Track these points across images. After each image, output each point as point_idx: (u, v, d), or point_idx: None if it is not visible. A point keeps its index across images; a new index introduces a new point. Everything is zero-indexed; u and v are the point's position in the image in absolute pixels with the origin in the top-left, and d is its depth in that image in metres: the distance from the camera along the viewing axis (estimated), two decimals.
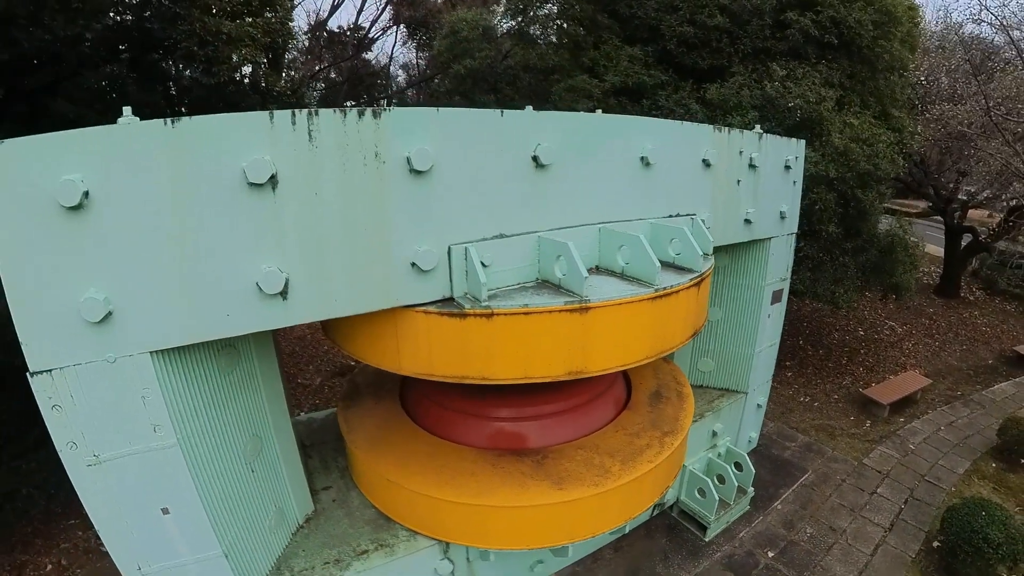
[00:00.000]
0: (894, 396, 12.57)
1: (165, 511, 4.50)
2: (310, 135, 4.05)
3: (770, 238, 8.87)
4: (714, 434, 9.55)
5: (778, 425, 12.20)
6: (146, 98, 10.47)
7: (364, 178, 4.35)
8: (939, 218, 17.23)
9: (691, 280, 6.14)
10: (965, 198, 16.44)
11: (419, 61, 24.76)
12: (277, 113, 3.91)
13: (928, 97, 12.34)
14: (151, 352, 3.99)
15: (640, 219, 6.77)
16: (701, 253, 6.31)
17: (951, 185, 16.36)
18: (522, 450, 7.09)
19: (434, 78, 19.70)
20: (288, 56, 12.74)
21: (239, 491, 5.35)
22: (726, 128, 7.53)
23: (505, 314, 5.14)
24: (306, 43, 20.10)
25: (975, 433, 12.06)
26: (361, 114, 4.23)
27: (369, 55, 23.56)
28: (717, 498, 9.01)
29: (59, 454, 4.02)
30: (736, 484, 9.31)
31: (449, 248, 5.13)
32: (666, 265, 6.59)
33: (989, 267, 18.31)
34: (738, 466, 9.67)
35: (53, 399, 3.84)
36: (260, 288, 4.13)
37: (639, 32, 12.72)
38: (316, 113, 4.04)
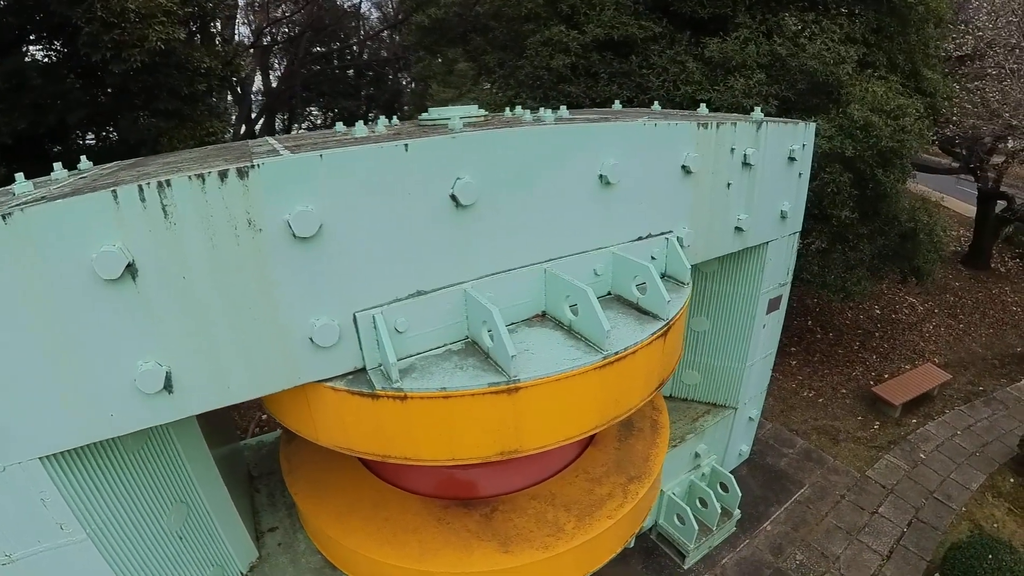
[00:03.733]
0: (907, 395, 11.74)
1: None
2: (164, 211, 3.52)
3: (767, 242, 7.78)
4: (697, 455, 8.83)
5: (776, 427, 11.47)
6: (57, 89, 9.42)
7: (238, 252, 3.80)
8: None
9: (653, 334, 5.21)
10: (1003, 158, 14.67)
11: None
12: (121, 190, 3.37)
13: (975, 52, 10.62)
14: (40, 457, 3.86)
15: (601, 248, 5.77)
16: (667, 298, 5.32)
17: (986, 140, 14.56)
18: (471, 499, 6.56)
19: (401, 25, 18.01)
20: (217, 24, 11.37)
21: (167, 563, 5.23)
22: (714, 122, 6.34)
23: (421, 397, 4.49)
24: None
25: (994, 440, 11.26)
26: (224, 176, 3.59)
27: None
28: (696, 528, 8.41)
29: None
30: (719, 509, 8.69)
31: (355, 316, 4.45)
32: (629, 306, 5.68)
33: None
34: (724, 487, 9.01)
35: None
36: (139, 387, 3.79)
37: None
38: (168, 184, 3.45)
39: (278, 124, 22.09)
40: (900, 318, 15.14)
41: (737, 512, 9.02)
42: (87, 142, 11.41)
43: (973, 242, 17.81)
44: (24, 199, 3.63)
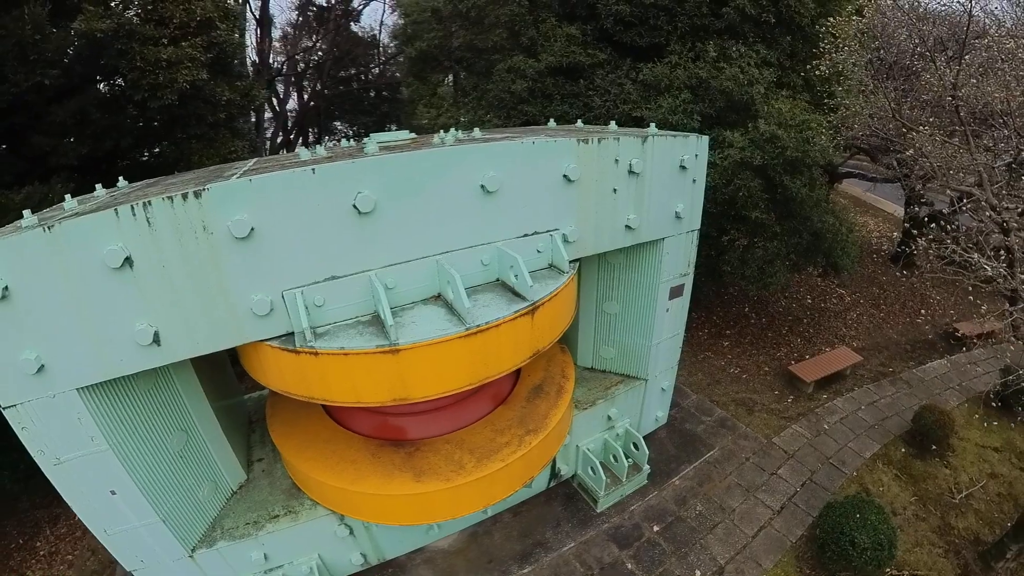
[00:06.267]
0: (819, 373, 11.78)
1: (113, 492, 5.50)
2: (148, 222, 4.50)
3: (663, 238, 8.07)
4: (609, 418, 9.20)
5: (700, 398, 11.70)
6: (113, 121, 10.51)
7: (198, 248, 4.75)
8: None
9: (517, 312, 5.68)
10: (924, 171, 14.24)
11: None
12: (120, 208, 4.39)
13: (887, 71, 10.44)
14: (77, 388, 4.87)
15: (487, 243, 6.23)
16: (530, 284, 5.76)
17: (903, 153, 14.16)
18: (402, 441, 7.21)
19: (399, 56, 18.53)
20: (236, 62, 12.28)
21: (170, 473, 6.10)
22: (595, 138, 6.69)
23: (327, 354, 5.31)
24: (297, 19, 19.14)
25: (894, 415, 11.25)
26: (185, 197, 4.54)
27: (357, 27, 22.29)
28: (605, 479, 8.82)
29: (35, 458, 5.10)
30: (627, 464, 9.06)
31: (283, 294, 5.29)
32: (508, 290, 6.16)
33: (946, 238, 16.17)
34: (636, 446, 9.37)
35: (21, 423, 4.86)
36: (137, 340, 4.83)
37: (578, 10, 11.36)
38: (150, 203, 4.46)
39: (311, 137, 23.15)
40: (828, 307, 15.02)
41: (647, 467, 9.36)
42: (142, 158, 12.44)
43: (900, 241, 17.40)
44: (66, 214, 4.75)
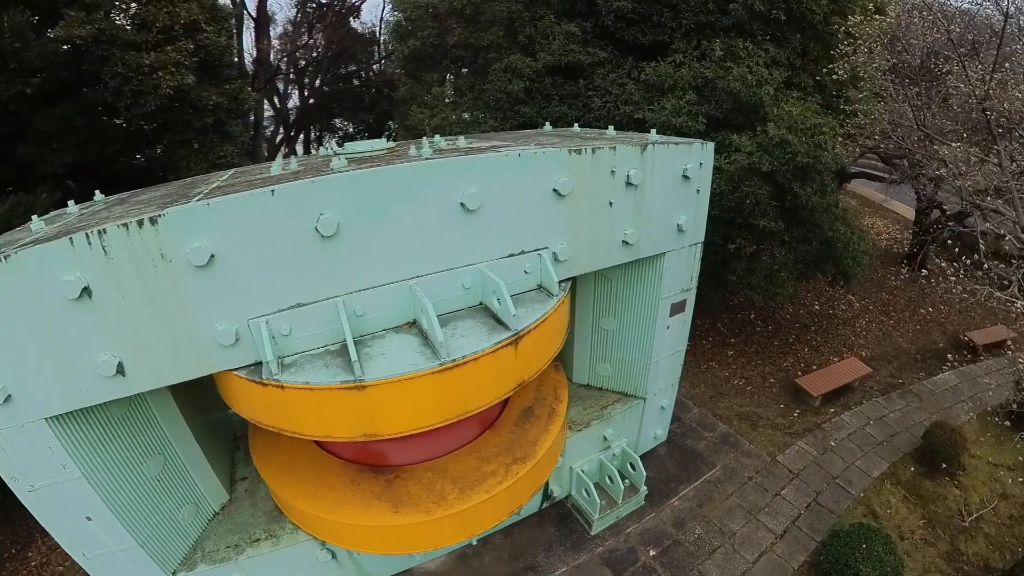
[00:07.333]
0: (827, 387, 11.09)
1: (89, 519, 5.22)
2: (104, 250, 4.16)
3: (664, 253, 7.39)
4: (605, 439, 8.59)
5: (702, 412, 11.05)
6: (97, 128, 9.99)
7: (157, 277, 4.37)
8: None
9: (499, 343, 5.07)
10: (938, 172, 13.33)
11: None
12: (75, 237, 4.06)
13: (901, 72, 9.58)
14: (45, 418, 4.60)
15: (470, 264, 5.59)
16: (513, 312, 5.14)
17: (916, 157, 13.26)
18: (382, 466, 6.71)
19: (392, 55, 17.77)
20: (227, 62, 11.66)
21: (148, 498, 5.76)
22: (589, 147, 6.01)
23: (293, 388, 4.85)
24: (296, 15, 18.41)
25: (903, 430, 10.55)
26: (141, 224, 4.17)
27: (357, 23, 21.49)
28: (599, 502, 8.24)
29: (9, 485, 4.90)
30: (623, 486, 8.47)
31: (248, 322, 4.85)
32: (490, 316, 5.54)
33: (958, 241, 15.24)
34: (633, 466, 8.76)
35: None
36: (100, 372, 4.52)
37: (578, 6, 10.58)
38: (104, 231, 4.11)
39: (312, 135, 22.46)
40: (837, 313, 14.23)
41: (644, 488, 8.77)
42: (133, 162, 11.92)
43: (912, 242, 16.50)
44: (28, 239, 4.46)
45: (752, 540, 8.47)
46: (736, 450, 10.10)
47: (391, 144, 6.56)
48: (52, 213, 6.65)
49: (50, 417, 4.63)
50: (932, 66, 8.63)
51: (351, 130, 23.02)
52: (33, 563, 9.02)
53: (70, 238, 4.08)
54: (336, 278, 5.00)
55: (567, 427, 8.04)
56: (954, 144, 7.18)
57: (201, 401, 7.19)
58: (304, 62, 20.32)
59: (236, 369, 5.04)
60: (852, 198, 21.14)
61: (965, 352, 12.87)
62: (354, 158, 5.91)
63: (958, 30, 7.66)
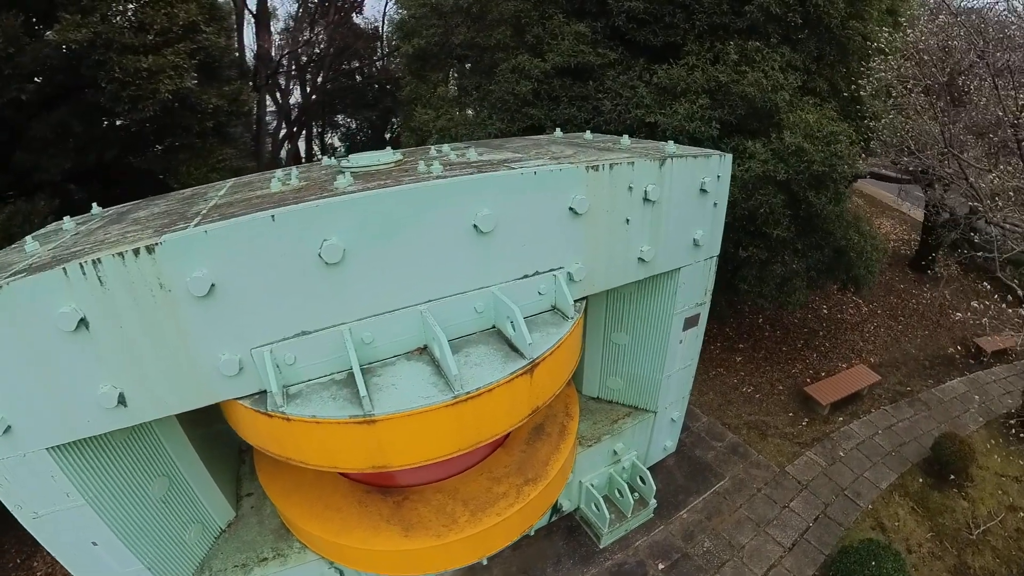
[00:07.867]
0: (836, 395, 10.90)
1: (95, 544, 5.10)
2: (100, 280, 3.98)
3: (679, 268, 7.12)
4: (615, 452, 8.40)
5: (711, 420, 10.86)
6: (95, 134, 9.62)
7: (155, 307, 4.18)
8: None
9: (514, 373, 4.83)
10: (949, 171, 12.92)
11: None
12: (69, 267, 3.88)
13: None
14: (47, 448, 4.44)
15: (482, 287, 5.33)
16: (529, 340, 4.90)
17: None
18: (390, 487, 6.51)
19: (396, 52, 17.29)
20: (227, 64, 11.25)
21: (154, 521, 5.61)
22: (607, 163, 5.73)
23: (299, 420, 4.61)
24: (298, 11, 17.87)
25: (912, 440, 10.37)
26: (137, 253, 3.97)
27: (360, 19, 20.92)
28: (608, 516, 8.06)
29: (13, 512, 4.77)
30: (632, 501, 8.29)
31: (251, 351, 4.62)
32: (504, 341, 5.29)
33: (966, 243, 14.84)
34: (642, 479, 8.58)
35: None
36: (101, 404, 4.35)
37: (587, 6, 10.21)
38: (100, 261, 3.92)
39: (315, 131, 21.99)
40: (845, 318, 14.00)
41: (653, 502, 8.59)
42: (132, 166, 11.58)
43: (920, 247, 16.21)
44: (23, 261, 4.32)
45: (761, 553, 8.33)
46: (745, 460, 9.93)
47: (398, 156, 6.25)
48: (48, 228, 6.36)
49: (51, 447, 4.46)
50: (961, 84, 8.26)
51: (354, 126, 22.59)
52: (38, 573, 8.90)
53: (63, 268, 3.87)
54: (342, 304, 4.75)
55: (577, 445, 7.84)
56: (991, 173, 6.83)
57: (204, 412, 7.02)
58: (306, 58, 19.84)
59: (241, 398, 4.83)
60: (859, 197, 20.81)
61: (973, 362, 12.63)
62: (359, 173, 5.62)
63: (991, 48, 7.24)
